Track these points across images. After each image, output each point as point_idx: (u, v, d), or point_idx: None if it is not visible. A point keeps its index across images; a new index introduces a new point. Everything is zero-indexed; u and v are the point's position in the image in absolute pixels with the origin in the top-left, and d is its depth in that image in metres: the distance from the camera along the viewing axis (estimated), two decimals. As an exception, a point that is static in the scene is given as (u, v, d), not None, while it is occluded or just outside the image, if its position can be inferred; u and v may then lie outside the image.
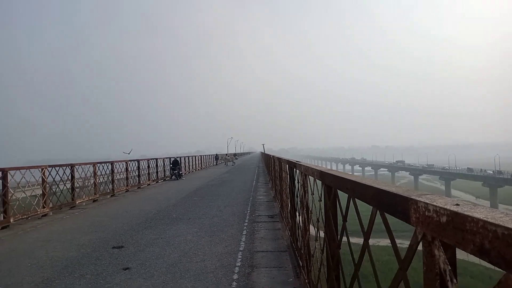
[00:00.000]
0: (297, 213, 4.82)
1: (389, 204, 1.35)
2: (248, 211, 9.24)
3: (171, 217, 8.78)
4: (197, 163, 34.64)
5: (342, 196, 2.29)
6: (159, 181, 21.45)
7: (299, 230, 4.57)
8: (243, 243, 6.13)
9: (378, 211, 1.53)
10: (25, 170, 9.74)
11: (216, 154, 51.60)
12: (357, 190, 1.89)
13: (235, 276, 4.51)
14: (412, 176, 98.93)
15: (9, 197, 8.98)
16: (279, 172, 8.53)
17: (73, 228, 8.13)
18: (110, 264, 5.19)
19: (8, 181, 8.96)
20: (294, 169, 4.89)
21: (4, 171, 8.86)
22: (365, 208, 1.83)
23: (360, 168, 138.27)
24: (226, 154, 53.41)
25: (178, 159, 23.52)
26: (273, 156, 12.13)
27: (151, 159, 20.89)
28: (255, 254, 5.48)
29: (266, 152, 48.24)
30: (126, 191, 16.01)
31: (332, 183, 2.47)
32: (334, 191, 2.48)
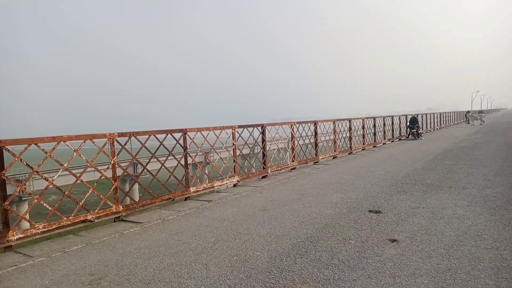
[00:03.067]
0: None
1: None
2: (540, 186, 6.78)
3: (425, 183, 7.51)
4: (435, 121, 30.71)
5: None
6: (395, 141, 20.04)
7: None
8: (555, 232, 4.28)
9: None
10: (278, 125, 10.67)
11: (468, 111, 44.95)
12: None
13: None
14: None
15: (267, 150, 10.07)
16: None
17: (321, 183, 8.23)
18: (372, 231, 4.63)
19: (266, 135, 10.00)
20: None
21: (263, 126, 9.90)
22: None
23: None
24: (468, 111, 45.71)
25: (416, 116, 21.12)
26: None
27: (387, 116, 19.57)
28: None
29: None
30: (362, 149, 15.63)
31: None
32: None
